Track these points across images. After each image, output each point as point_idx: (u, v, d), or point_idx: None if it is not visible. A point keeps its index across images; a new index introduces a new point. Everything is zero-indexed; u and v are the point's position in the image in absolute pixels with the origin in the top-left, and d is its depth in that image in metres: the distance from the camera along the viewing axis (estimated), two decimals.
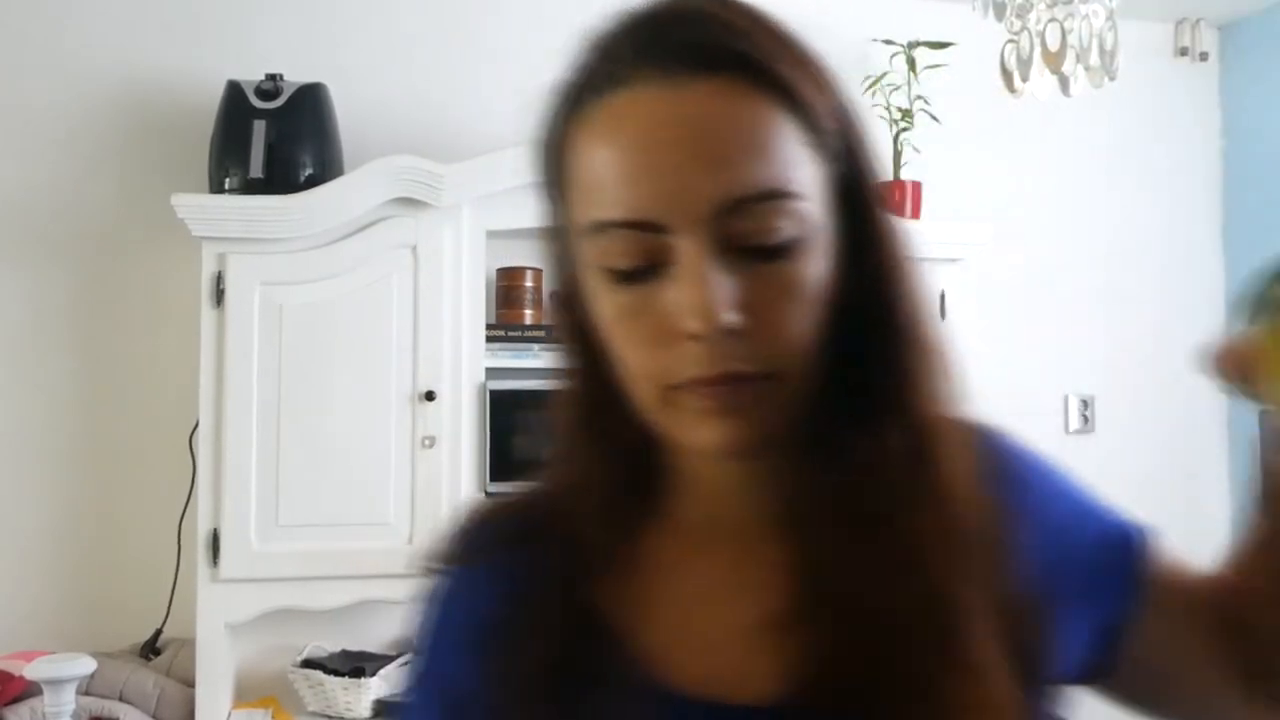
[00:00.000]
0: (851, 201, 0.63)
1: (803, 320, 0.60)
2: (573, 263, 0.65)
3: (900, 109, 2.76)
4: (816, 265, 0.61)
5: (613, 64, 0.60)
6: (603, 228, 0.59)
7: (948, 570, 0.61)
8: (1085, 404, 3.07)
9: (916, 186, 2.70)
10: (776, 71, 0.59)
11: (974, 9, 2.04)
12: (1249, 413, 3.39)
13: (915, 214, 2.68)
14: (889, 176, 2.73)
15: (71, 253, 2.49)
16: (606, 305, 0.61)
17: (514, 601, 0.68)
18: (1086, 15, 1.96)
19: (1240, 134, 3.19)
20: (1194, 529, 3.17)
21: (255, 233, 2.20)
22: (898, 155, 2.74)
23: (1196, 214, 3.21)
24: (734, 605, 0.65)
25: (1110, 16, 1.97)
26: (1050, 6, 1.97)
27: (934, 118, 2.77)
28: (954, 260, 2.62)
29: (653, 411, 0.62)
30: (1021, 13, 1.99)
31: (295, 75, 2.36)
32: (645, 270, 0.59)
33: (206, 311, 2.21)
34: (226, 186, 2.26)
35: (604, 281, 0.61)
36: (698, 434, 0.60)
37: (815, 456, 0.64)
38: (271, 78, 2.33)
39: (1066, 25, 1.96)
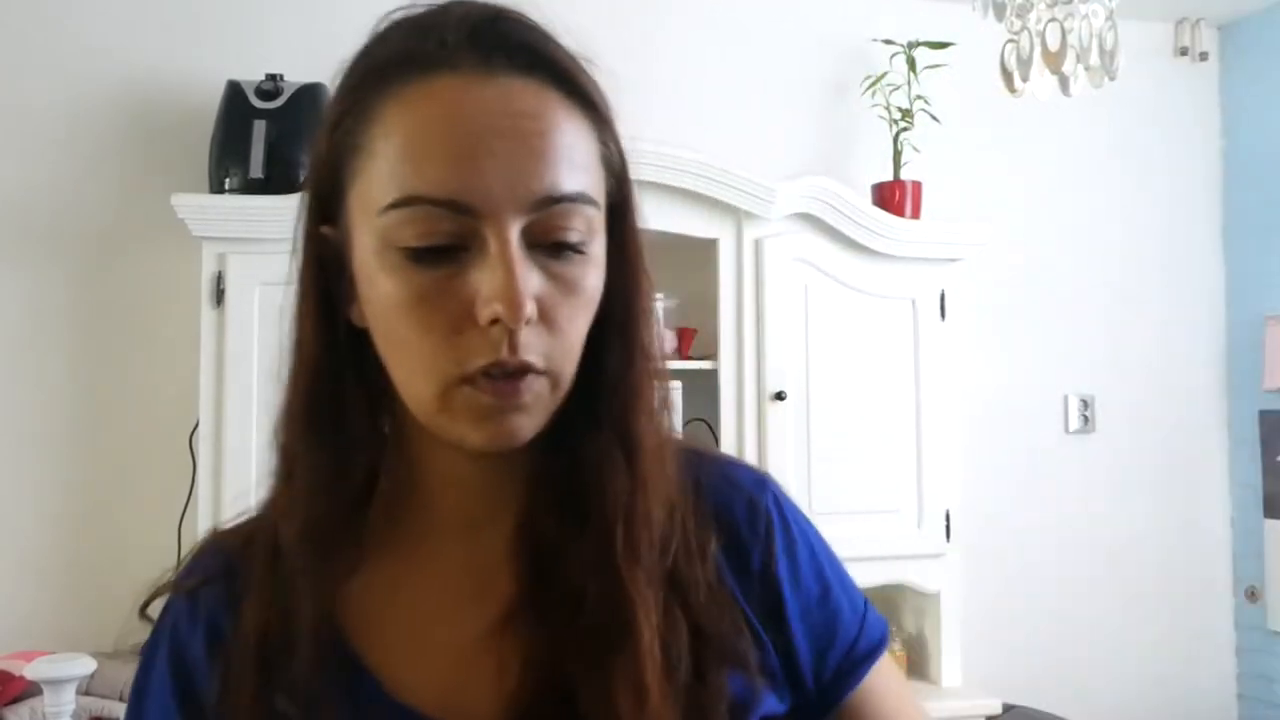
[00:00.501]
0: (618, 222, 0.65)
1: (581, 325, 0.62)
2: (346, 246, 0.63)
3: (900, 109, 2.76)
4: (596, 274, 0.62)
5: (434, 46, 0.60)
6: (412, 202, 0.58)
7: (633, 580, 0.62)
8: (1085, 404, 3.07)
9: (916, 186, 2.70)
10: (584, 84, 0.62)
11: (974, 9, 2.04)
12: (1249, 413, 3.40)
13: (915, 214, 2.68)
14: (889, 177, 2.73)
15: (71, 253, 2.49)
16: (396, 286, 0.59)
17: (243, 623, 0.65)
18: (1086, 15, 1.96)
19: (1240, 134, 3.19)
20: (1194, 529, 3.20)
21: (255, 233, 2.20)
22: (898, 155, 2.74)
23: (1196, 214, 3.21)
24: (465, 611, 0.65)
25: (1110, 16, 1.97)
26: (1050, 6, 1.97)
27: (934, 118, 2.77)
28: (954, 260, 2.62)
29: (430, 406, 0.60)
30: (1021, 13, 1.99)
31: (295, 75, 2.36)
32: (444, 252, 0.58)
33: (206, 311, 2.21)
34: (226, 186, 2.26)
35: (398, 263, 0.59)
36: (479, 430, 0.60)
37: (548, 457, 0.65)
38: (271, 78, 2.33)
39: (1066, 25, 1.96)
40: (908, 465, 2.56)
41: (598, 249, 0.62)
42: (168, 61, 2.56)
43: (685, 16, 2.86)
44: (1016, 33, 2.00)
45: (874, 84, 2.78)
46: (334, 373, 0.65)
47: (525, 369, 0.58)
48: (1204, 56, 3.19)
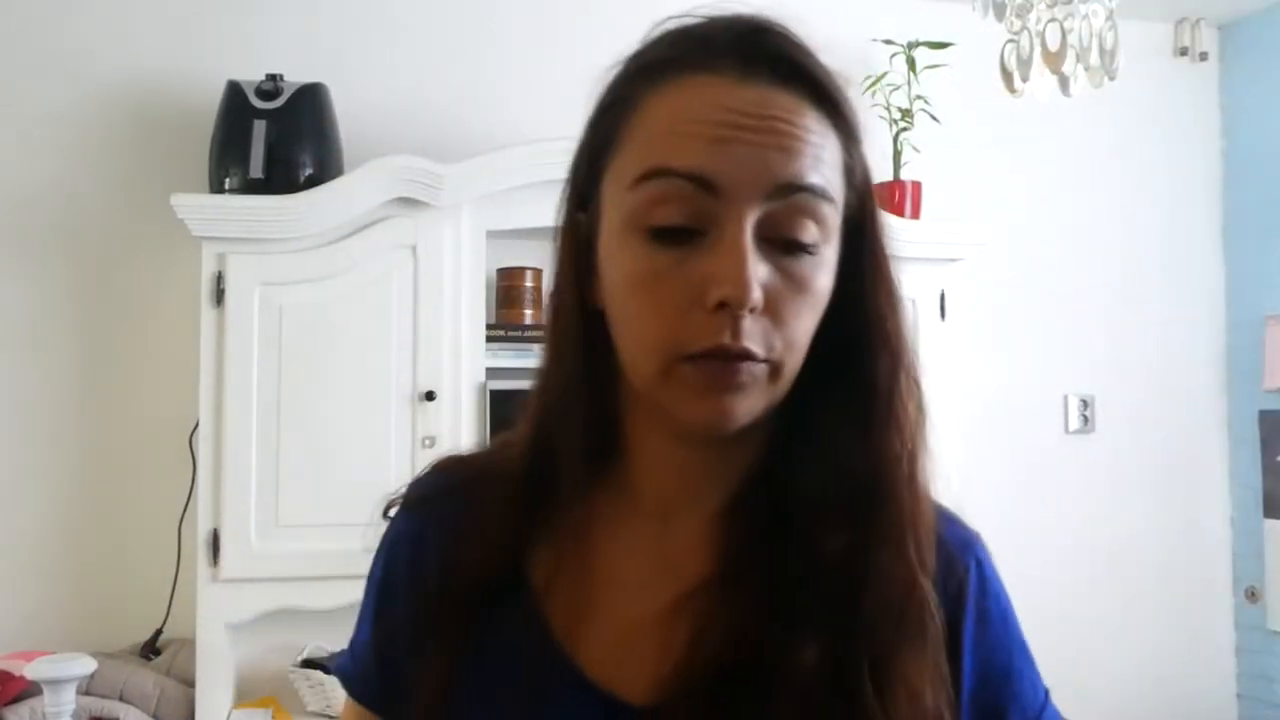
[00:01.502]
0: (859, 235, 0.67)
1: (807, 322, 0.63)
2: (594, 230, 0.67)
3: (900, 109, 2.76)
4: (827, 277, 0.64)
5: (700, 50, 0.64)
6: (660, 174, 0.61)
7: (867, 613, 0.63)
8: (1085, 404, 3.07)
9: (916, 186, 2.70)
10: (838, 98, 0.65)
11: (974, 9, 2.04)
12: (1249, 413, 3.39)
13: (915, 214, 2.68)
14: (889, 177, 2.72)
15: (71, 253, 2.49)
16: (634, 263, 0.62)
17: (447, 553, 0.71)
18: (1086, 15, 1.96)
19: (1240, 134, 3.19)
20: (1194, 529, 3.19)
21: (255, 233, 2.20)
22: (898, 155, 2.74)
23: (1196, 214, 3.21)
24: (647, 589, 0.68)
25: (1110, 16, 1.97)
26: (1050, 6, 1.97)
27: (934, 118, 2.77)
28: (954, 260, 2.62)
29: (652, 381, 0.63)
30: (1021, 13, 1.99)
31: (295, 75, 2.36)
32: (681, 234, 0.61)
33: (206, 311, 2.21)
34: (226, 186, 2.26)
35: (638, 239, 0.62)
36: (696, 408, 0.62)
37: (785, 454, 0.67)
38: (271, 78, 2.33)
39: (1066, 25, 1.96)
40: None
41: (829, 253, 0.64)
42: (168, 61, 2.56)
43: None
44: (1016, 33, 2.00)
45: (874, 84, 2.78)
46: (582, 347, 0.68)
47: (745, 355, 0.60)
48: (1204, 56, 3.19)
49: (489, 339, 2.38)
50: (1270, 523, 3.04)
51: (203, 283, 2.22)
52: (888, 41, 2.79)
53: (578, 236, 0.68)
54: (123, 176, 2.52)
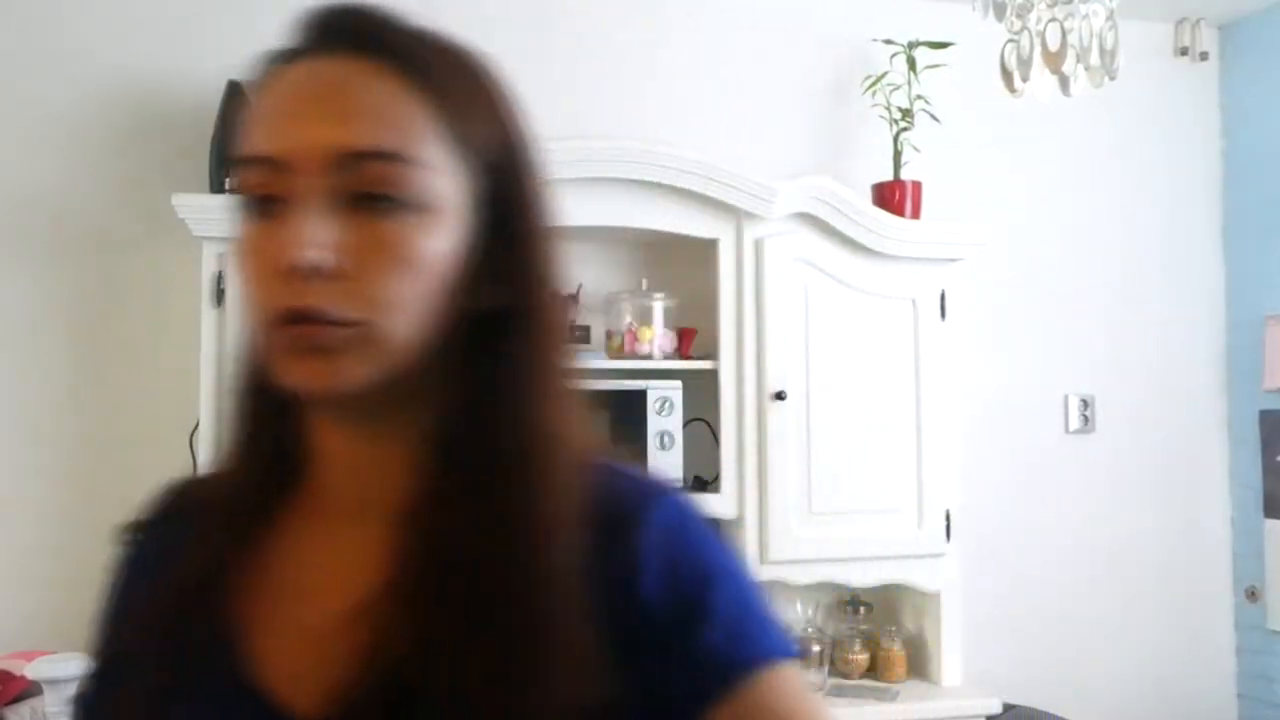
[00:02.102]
0: (500, 206, 0.67)
1: (404, 282, 0.63)
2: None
3: (900, 109, 2.76)
4: (434, 240, 0.64)
5: (301, 39, 0.67)
6: (245, 161, 0.64)
7: (531, 591, 0.62)
8: (1085, 404, 3.07)
9: (916, 186, 2.70)
10: (428, 66, 0.65)
11: (974, 9, 2.04)
12: (1249, 413, 3.39)
13: (915, 214, 2.68)
14: (889, 177, 2.73)
15: (71, 252, 2.49)
16: (241, 240, 0.65)
17: (153, 576, 0.72)
18: (1086, 15, 1.96)
19: (1240, 134, 3.19)
20: (1194, 529, 3.19)
21: None
22: (898, 155, 2.74)
23: (1196, 214, 3.21)
24: (331, 594, 0.67)
25: (1110, 16, 1.97)
26: (1050, 6, 1.97)
27: (934, 118, 2.77)
28: (954, 260, 2.62)
29: (265, 353, 0.65)
30: (1021, 13, 1.99)
31: None
32: (269, 204, 0.63)
33: (206, 311, 2.21)
34: (227, 186, 2.26)
35: (243, 216, 0.65)
36: (290, 373, 0.63)
37: (441, 452, 0.67)
38: None
39: (1066, 25, 1.96)
40: (908, 465, 2.56)
41: (438, 214, 0.64)
42: (168, 61, 2.56)
43: (685, 17, 2.86)
44: (1016, 33, 2.00)
45: (874, 84, 2.78)
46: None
47: (313, 316, 0.61)
48: (1204, 56, 3.19)
49: None
50: (1270, 523, 3.04)
51: (203, 283, 2.22)
52: (888, 41, 2.79)
53: None
54: (122, 176, 2.52)
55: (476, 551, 0.63)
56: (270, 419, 0.71)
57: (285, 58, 0.66)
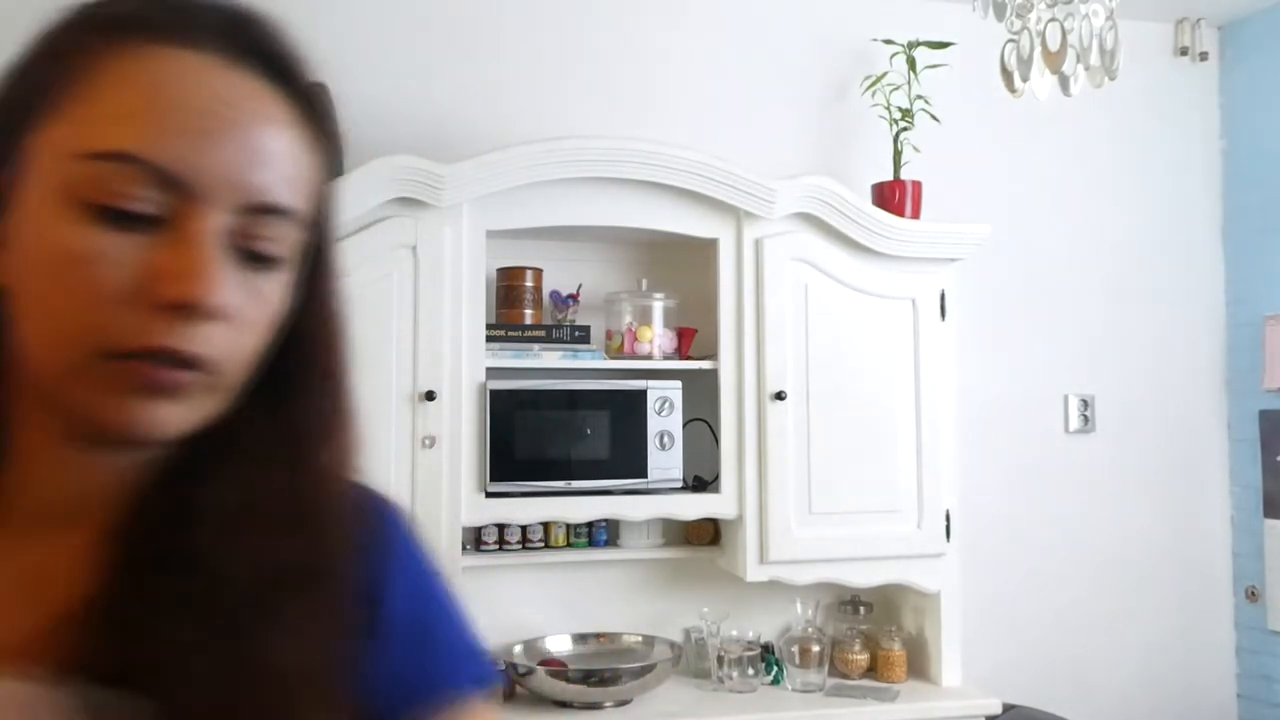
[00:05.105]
0: (314, 258, 0.65)
1: (255, 338, 0.60)
2: (6, 192, 0.58)
3: (900, 109, 2.76)
4: (281, 296, 0.62)
5: (182, 21, 0.58)
6: (126, 159, 0.54)
7: (268, 636, 0.59)
8: (1085, 404, 3.07)
9: (916, 186, 2.70)
10: (323, 117, 0.63)
11: (974, 9, 2.04)
12: (1249, 413, 3.39)
13: (915, 214, 2.68)
14: (889, 177, 2.73)
15: None
16: (65, 241, 0.55)
17: None
18: (1086, 15, 1.96)
19: (1240, 134, 3.19)
20: (1194, 529, 3.19)
21: None
22: (898, 155, 2.74)
23: (1196, 214, 3.21)
24: (14, 614, 0.60)
25: (1110, 16, 1.97)
26: (1050, 6, 1.97)
27: (934, 118, 2.77)
28: (954, 260, 2.62)
29: (61, 377, 0.56)
30: (1021, 13, 1.99)
31: None
32: (138, 220, 0.55)
33: None
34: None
35: (76, 214, 0.55)
36: (118, 413, 0.56)
37: (192, 471, 0.62)
38: None
39: (1066, 25, 1.96)
40: (908, 465, 2.56)
41: (288, 273, 0.62)
42: None
43: (686, 17, 2.87)
44: (1016, 33, 2.00)
45: (874, 84, 2.78)
46: None
47: (190, 363, 0.56)
48: (1204, 56, 3.19)
49: (489, 339, 2.38)
50: (1270, 523, 3.04)
51: None
52: (888, 41, 2.79)
53: None
54: None
55: (190, 575, 0.59)
56: None
57: (166, 34, 0.57)
